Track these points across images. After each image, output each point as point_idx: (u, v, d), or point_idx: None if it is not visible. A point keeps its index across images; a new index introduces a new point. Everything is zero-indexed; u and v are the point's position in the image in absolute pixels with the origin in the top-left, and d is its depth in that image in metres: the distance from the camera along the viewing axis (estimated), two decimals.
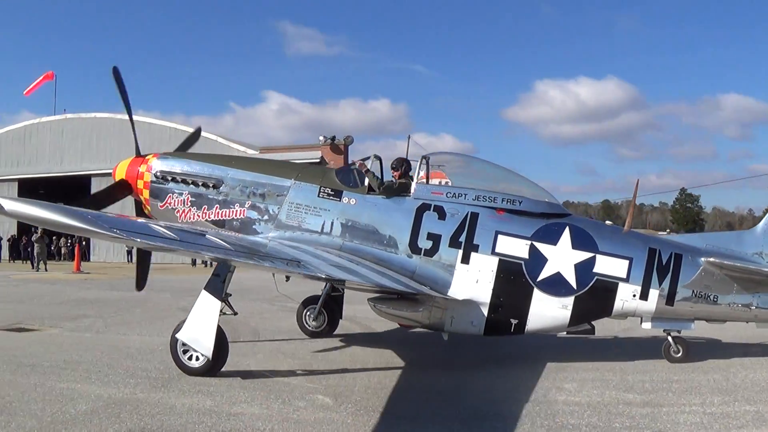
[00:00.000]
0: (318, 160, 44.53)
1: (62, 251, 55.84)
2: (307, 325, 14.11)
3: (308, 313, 14.14)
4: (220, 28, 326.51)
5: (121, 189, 13.09)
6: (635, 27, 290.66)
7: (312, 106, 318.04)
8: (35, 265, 42.17)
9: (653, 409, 8.50)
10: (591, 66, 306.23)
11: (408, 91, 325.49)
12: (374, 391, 9.36)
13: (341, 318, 14.45)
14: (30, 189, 58.57)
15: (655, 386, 9.82)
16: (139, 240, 7.85)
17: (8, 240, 54.97)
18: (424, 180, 11.71)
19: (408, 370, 11.11)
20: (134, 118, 13.54)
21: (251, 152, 50.54)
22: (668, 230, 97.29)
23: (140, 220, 9.65)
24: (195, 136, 15.03)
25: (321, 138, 48.30)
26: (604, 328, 12.89)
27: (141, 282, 13.22)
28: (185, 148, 14.33)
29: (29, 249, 49.07)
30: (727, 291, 11.31)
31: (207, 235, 9.03)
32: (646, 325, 11.48)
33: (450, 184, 11.56)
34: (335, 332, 14.16)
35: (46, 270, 39.40)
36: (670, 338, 11.59)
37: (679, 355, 11.49)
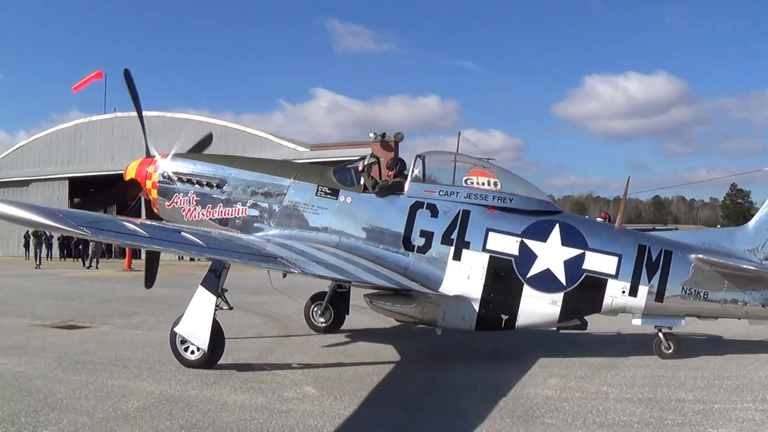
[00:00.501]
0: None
1: (113, 249, 56.50)
2: (314, 321, 14.32)
3: (315, 309, 14.34)
4: (270, 26, 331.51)
5: (131, 188, 13.48)
6: (684, 21, 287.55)
7: (361, 103, 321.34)
8: (88, 262, 42.81)
9: (705, 406, 8.38)
10: (640, 61, 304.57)
11: (457, 88, 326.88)
12: (418, 387, 9.37)
13: (348, 314, 14.60)
14: (80, 187, 59.42)
15: (707, 383, 9.70)
16: (102, 237, 8.07)
17: (58, 238, 55.78)
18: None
19: (446, 363, 11.14)
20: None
21: (301, 149, 50.69)
22: (718, 225, 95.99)
23: (119, 217, 9.78)
24: (208, 140, 15.05)
25: (371, 135, 48.27)
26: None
27: (149, 281, 13.49)
28: (199, 150, 14.41)
29: (80, 247, 49.79)
30: (718, 288, 11.29)
31: (182, 233, 9.19)
32: (636, 322, 11.52)
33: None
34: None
35: (96, 268, 39.95)
36: (661, 335, 11.58)
37: (670, 351, 11.47)
